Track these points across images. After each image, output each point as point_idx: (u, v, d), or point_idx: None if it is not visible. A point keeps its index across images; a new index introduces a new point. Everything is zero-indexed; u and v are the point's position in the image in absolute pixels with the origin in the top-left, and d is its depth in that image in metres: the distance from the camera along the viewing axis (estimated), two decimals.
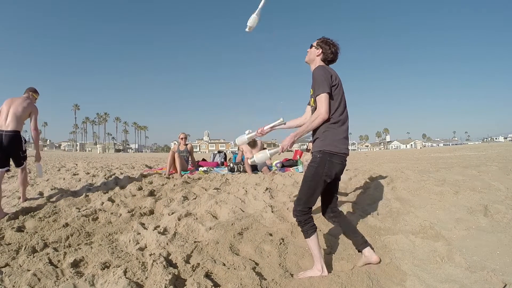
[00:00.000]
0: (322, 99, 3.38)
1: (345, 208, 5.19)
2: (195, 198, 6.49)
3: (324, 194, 3.77)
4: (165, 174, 9.31)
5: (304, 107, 4.08)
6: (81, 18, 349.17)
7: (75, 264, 3.73)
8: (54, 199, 6.79)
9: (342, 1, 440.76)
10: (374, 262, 3.63)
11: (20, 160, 6.49)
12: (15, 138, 6.25)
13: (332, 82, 3.45)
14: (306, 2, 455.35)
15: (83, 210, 5.91)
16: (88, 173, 10.20)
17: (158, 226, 4.87)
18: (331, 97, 3.44)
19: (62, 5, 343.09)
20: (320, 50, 3.70)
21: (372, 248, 3.70)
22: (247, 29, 4.38)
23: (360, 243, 3.67)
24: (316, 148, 3.53)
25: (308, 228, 3.46)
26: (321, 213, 3.95)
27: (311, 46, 3.78)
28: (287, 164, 10.56)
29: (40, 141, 7.03)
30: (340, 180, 3.88)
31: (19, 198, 6.78)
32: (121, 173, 9.84)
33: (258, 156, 4.06)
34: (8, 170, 6.34)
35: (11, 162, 6.46)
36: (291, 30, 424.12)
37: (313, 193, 3.50)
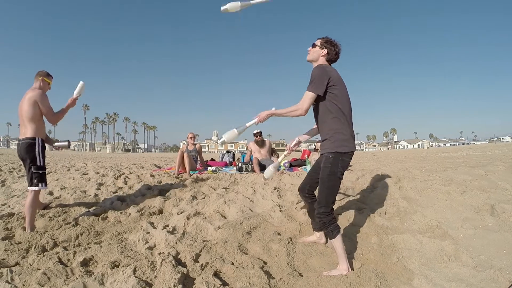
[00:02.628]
0: (308, 97, 3.52)
1: (353, 207, 5.19)
2: (203, 198, 6.52)
3: (314, 179, 3.94)
4: (174, 174, 9.36)
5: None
6: (90, 18, 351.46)
7: (85, 263, 3.75)
8: (63, 198, 6.84)
9: (349, 2, 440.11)
10: (322, 243, 4.18)
11: (32, 177, 5.06)
12: (27, 147, 5.02)
13: (329, 83, 3.51)
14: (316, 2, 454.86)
15: (93, 210, 5.96)
16: (97, 173, 10.24)
17: (167, 226, 4.90)
18: (331, 99, 3.54)
19: (72, 5, 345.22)
20: (326, 51, 3.75)
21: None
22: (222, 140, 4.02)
23: (318, 226, 4.04)
24: (328, 149, 3.60)
25: (333, 228, 3.53)
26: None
27: (314, 45, 3.81)
28: (295, 164, 10.56)
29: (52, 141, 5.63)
30: None
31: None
32: (131, 173, 9.88)
33: (227, 136, 4.00)
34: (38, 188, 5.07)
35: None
36: (298, 31, 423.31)
37: (333, 192, 3.62)
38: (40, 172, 5.10)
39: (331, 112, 3.57)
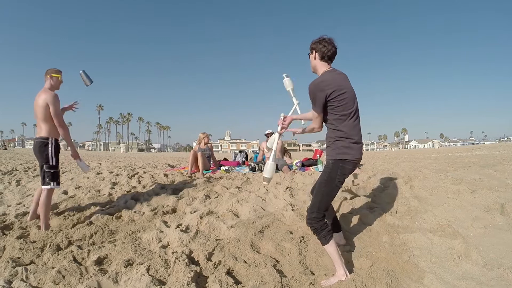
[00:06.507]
0: (316, 117, 3.56)
1: (364, 207, 5.21)
2: (216, 197, 6.56)
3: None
4: (187, 173, 9.43)
5: None
6: (103, 18, 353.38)
7: (99, 262, 3.82)
8: (78, 197, 6.93)
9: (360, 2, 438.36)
10: (342, 244, 4.11)
11: (44, 176, 5.19)
12: (40, 146, 5.18)
13: (328, 98, 3.42)
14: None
15: (107, 209, 6.04)
16: (111, 172, 10.34)
17: (181, 224, 4.95)
18: (329, 110, 3.49)
19: (85, 5, 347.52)
20: (315, 52, 3.63)
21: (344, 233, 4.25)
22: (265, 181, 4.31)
23: (333, 228, 3.98)
24: (329, 156, 3.58)
25: (325, 234, 3.41)
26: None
27: (309, 56, 3.75)
28: (307, 164, 10.56)
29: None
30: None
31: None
32: (144, 172, 9.95)
33: (268, 171, 4.21)
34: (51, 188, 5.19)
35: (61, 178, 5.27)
36: (312, 31, 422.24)
37: (327, 199, 3.55)
38: (52, 171, 5.18)
39: (331, 123, 3.51)
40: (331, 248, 3.40)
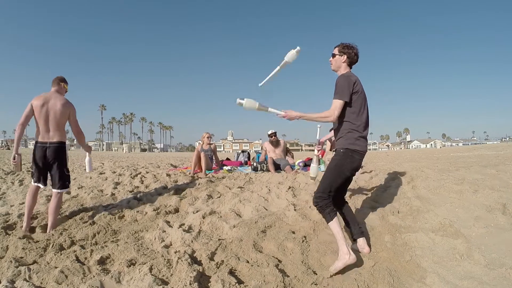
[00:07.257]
0: (337, 105, 3.64)
1: (366, 206, 5.20)
2: (219, 197, 6.58)
3: (339, 187, 3.90)
4: (190, 173, 9.44)
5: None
6: (106, 19, 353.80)
7: (102, 261, 3.83)
8: (81, 197, 6.94)
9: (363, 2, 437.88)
10: (365, 252, 3.95)
11: (65, 180, 5.30)
12: (62, 151, 5.29)
13: (354, 89, 3.66)
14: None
15: (110, 209, 6.05)
16: (114, 172, 10.36)
17: (183, 224, 4.96)
18: (349, 104, 3.68)
19: (87, 5, 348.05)
20: (345, 56, 3.89)
21: (368, 240, 4.13)
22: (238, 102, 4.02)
23: (357, 233, 4.03)
24: (341, 145, 3.77)
25: (329, 211, 3.63)
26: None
27: (333, 55, 3.94)
28: (309, 163, 10.53)
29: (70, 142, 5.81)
30: (353, 176, 4.12)
31: (47, 198, 6.60)
32: (147, 172, 9.97)
33: (247, 102, 4.00)
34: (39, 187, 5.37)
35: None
36: (319, 31, 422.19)
37: (333, 181, 3.73)
38: (68, 174, 5.43)
39: (347, 116, 3.72)
40: (335, 224, 3.60)
